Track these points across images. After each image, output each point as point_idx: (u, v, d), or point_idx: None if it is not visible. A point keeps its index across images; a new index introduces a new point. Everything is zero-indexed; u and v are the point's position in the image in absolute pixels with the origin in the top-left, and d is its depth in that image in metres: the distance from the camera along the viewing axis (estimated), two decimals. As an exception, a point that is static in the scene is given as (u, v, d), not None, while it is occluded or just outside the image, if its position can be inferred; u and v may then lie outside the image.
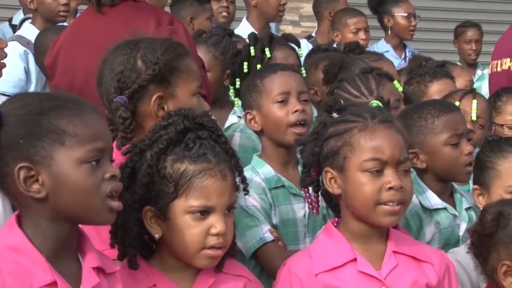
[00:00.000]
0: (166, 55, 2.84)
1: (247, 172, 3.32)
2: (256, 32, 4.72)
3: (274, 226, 3.28)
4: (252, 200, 3.29)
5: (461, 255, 3.07)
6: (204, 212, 2.53)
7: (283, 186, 3.37)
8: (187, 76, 2.87)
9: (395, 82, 3.74)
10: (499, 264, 2.79)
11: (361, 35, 6.82)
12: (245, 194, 2.70)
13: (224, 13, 6.65)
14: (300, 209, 3.36)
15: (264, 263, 3.25)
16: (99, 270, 2.37)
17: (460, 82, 4.79)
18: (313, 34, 7.36)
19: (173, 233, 2.54)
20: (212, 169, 2.53)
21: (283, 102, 3.39)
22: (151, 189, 2.54)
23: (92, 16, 3.59)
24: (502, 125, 4.28)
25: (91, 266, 2.35)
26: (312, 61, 4.62)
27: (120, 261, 2.58)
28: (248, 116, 3.45)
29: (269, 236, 3.20)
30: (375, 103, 3.20)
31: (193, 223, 2.53)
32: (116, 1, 3.55)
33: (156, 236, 2.55)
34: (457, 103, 3.88)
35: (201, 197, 2.52)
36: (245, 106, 3.51)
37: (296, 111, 3.37)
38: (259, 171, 3.38)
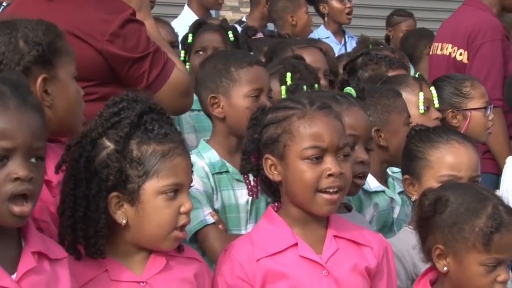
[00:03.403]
0: (48, 35, 2.66)
1: (192, 156, 3.27)
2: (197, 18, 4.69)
3: (215, 211, 3.23)
4: (194, 183, 3.15)
5: (395, 246, 3.05)
6: (176, 191, 2.49)
7: (227, 171, 3.30)
8: (68, 58, 2.70)
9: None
10: (433, 247, 2.81)
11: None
12: None
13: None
14: (243, 195, 3.30)
15: (203, 245, 3.19)
16: (42, 255, 2.31)
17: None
18: (244, 19, 7.26)
19: (145, 216, 2.48)
20: (178, 148, 2.51)
21: (255, 97, 3.32)
22: (116, 175, 2.47)
23: (37, 1, 3.36)
24: (481, 108, 4.19)
25: (31, 251, 2.29)
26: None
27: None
28: (212, 100, 3.36)
29: (210, 219, 3.14)
30: (348, 89, 3.20)
31: (166, 203, 2.48)
32: None
33: (123, 222, 2.48)
34: (421, 94, 3.85)
35: (172, 176, 2.48)
36: (210, 89, 3.39)
37: None
38: (204, 156, 3.31)
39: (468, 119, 4.12)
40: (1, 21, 2.72)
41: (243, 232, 3.25)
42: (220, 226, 3.16)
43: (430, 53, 5.12)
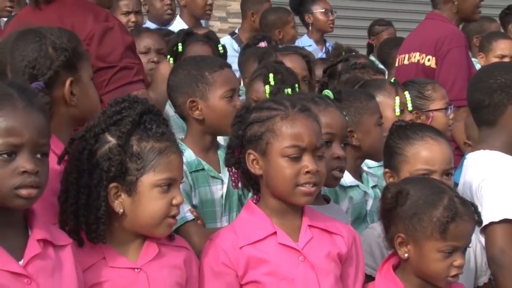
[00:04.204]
0: (72, 41, 2.74)
1: None
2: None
3: (194, 206, 3.23)
4: None
5: (378, 230, 3.11)
6: (169, 185, 2.54)
7: (203, 169, 3.28)
8: (87, 61, 2.78)
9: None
10: (395, 235, 2.87)
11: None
12: None
13: (169, 11, 6.62)
14: (218, 190, 3.32)
15: (185, 240, 3.14)
16: (47, 243, 2.37)
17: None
18: (236, 31, 7.38)
19: (140, 206, 2.53)
20: (173, 146, 2.57)
21: (230, 97, 3.34)
22: (117, 168, 2.52)
23: (31, 11, 3.47)
24: (442, 109, 4.29)
25: (37, 239, 2.34)
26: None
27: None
28: (191, 104, 3.32)
29: (189, 215, 3.13)
30: (326, 91, 3.24)
31: (160, 195, 2.54)
32: None
33: (121, 211, 2.53)
34: (397, 98, 3.88)
35: (167, 171, 2.53)
36: (187, 94, 3.35)
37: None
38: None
39: (430, 119, 4.16)
40: (27, 30, 2.76)
41: (218, 225, 3.26)
42: (199, 221, 3.17)
43: (396, 64, 5.16)
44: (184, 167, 3.15)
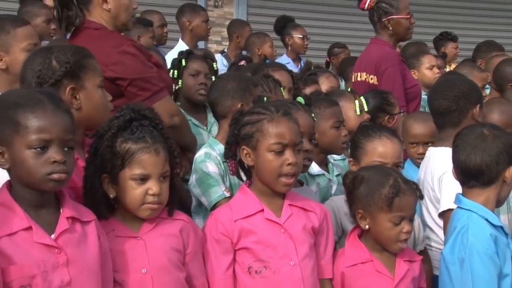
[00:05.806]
0: (75, 55, 2.72)
1: (206, 149, 3.40)
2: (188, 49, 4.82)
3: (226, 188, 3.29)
4: (212, 168, 3.30)
5: (335, 201, 3.21)
6: (143, 179, 2.58)
7: None
8: (93, 72, 2.75)
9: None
10: (356, 211, 2.95)
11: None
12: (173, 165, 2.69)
13: (164, 38, 6.84)
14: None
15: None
16: (75, 219, 2.41)
17: (327, 85, 4.95)
18: (225, 50, 7.51)
19: (123, 194, 2.60)
20: (148, 147, 2.57)
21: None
22: (107, 162, 2.58)
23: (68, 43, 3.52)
24: (400, 112, 4.37)
25: (66, 216, 2.38)
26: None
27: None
28: (241, 107, 3.37)
29: (226, 193, 3.22)
30: (299, 99, 3.29)
31: (136, 186, 2.58)
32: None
33: (112, 196, 2.60)
34: (357, 101, 3.90)
35: (140, 168, 2.57)
36: (237, 99, 3.44)
37: None
38: (215, 148, 3.39)
39: (394, 121, 4.25)
40: (41, 48, 2.77)
41: None
42: None
43: (353, 80, 5.28)
44: (219, 157, 3.32)
